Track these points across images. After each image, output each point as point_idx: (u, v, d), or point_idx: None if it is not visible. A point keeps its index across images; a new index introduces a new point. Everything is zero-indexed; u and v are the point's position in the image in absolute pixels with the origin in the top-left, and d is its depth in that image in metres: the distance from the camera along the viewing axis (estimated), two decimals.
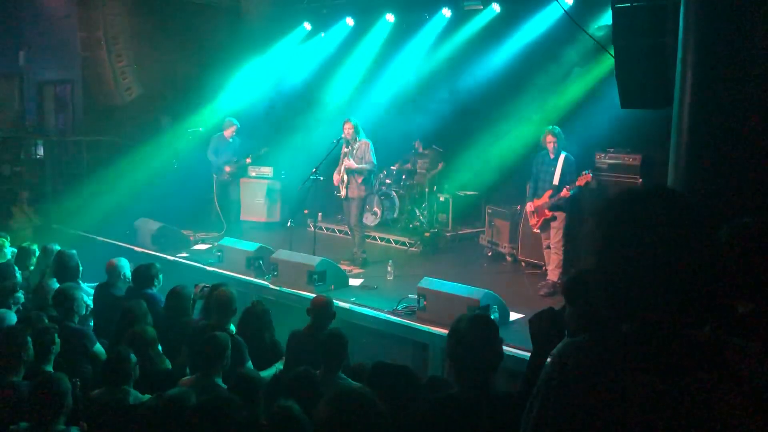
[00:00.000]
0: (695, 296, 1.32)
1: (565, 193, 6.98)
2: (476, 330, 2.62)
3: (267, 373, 4.71)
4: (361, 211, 8.49)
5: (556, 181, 7.12)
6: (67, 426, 3.55)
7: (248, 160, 9.91)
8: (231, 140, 9.78)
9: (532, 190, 7.41)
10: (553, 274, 7.18)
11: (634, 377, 1.33)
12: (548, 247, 7.35)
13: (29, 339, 4.13)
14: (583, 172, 6.96)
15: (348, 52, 11.19)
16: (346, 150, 8.19)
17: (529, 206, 7.42)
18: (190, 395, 3.39)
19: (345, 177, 8.19)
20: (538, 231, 7.45)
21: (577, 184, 6.93)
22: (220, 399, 3.15)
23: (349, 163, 8.09)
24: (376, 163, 8.20)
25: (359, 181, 8.15)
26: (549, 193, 7.15)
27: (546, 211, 7.20)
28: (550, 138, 7.13)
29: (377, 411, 2.15)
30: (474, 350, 2.58)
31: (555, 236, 7.19)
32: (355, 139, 8.11)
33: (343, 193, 8.28)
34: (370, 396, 2.22)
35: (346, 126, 8.10)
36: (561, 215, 7.13)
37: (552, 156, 7.18)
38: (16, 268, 6.34)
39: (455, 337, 2.64)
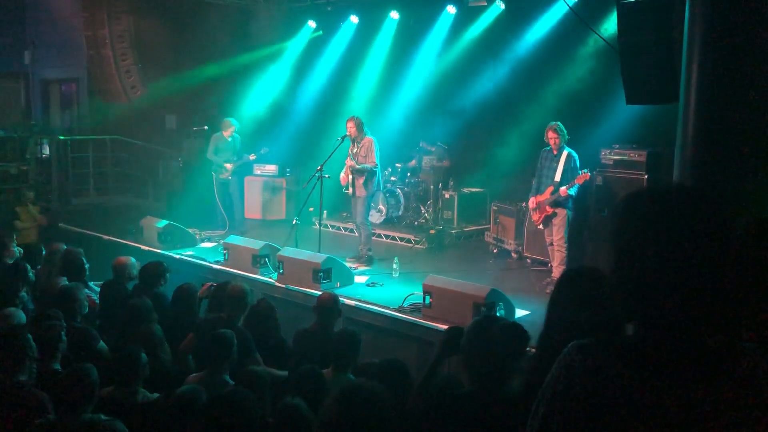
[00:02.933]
0: (713, 298, 1.27)
1: (563, 191, 6.96)
2: (507, 342, 2.55)
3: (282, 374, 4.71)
4: (368, 208, 8.46)
5: (557, 177, 7.08)
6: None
7: (252, 157, 9.89)
8: (230, 139, 9.78)
9: (535, 186, 7.39)
10: (558, 270, 7.15)
11: (643, 383, 1.29)
12: (551, 244, 7.34)
13: (30, 337, 4.08)
14: (582, 171, 6.92)
15: (352, 50, 11.18)
16: (352, 147, 8.17)
17: (532, 202, 7.37)
18: (198, 393, 3.41)
19: (350, 176, 8.19)
20: (541, 227, 7.44)
21: (576, 182, 6.90)
22: (234, 395, 3.15)
23: (351, 162, 8.08)
24: (378, 162, 8.10)
25: (360, 182, 8.10)
26: (550, 189, 7.12)
27: (547, 208, 7.17)
28: (551, 134, 7.06)
29: (386, 405, 2.11)
30: (500, 360, 2.53)
31: (557, 233, 7.17)
32: (360, 137, 8.06)
33: (350, 190, 8.28)
34: (379, 390, 2.17)
35: (349, 124, 8.03)
36: (562, 212, 7.11)
37: (555, 152, 7.14)
38: (29, 266, 6.34)
39: (479, 343, 2.56)
